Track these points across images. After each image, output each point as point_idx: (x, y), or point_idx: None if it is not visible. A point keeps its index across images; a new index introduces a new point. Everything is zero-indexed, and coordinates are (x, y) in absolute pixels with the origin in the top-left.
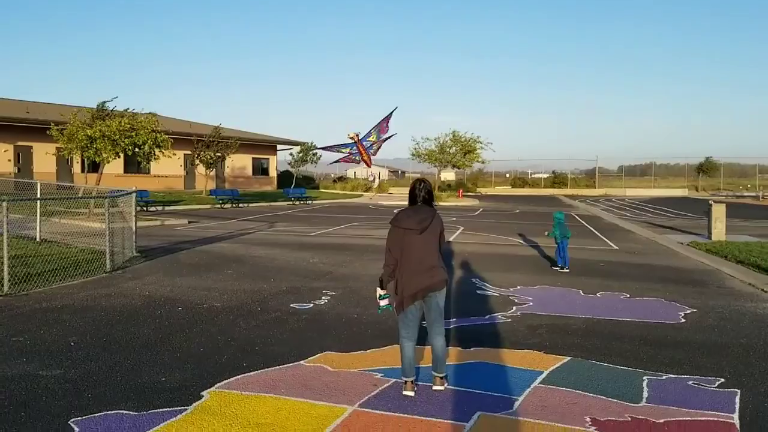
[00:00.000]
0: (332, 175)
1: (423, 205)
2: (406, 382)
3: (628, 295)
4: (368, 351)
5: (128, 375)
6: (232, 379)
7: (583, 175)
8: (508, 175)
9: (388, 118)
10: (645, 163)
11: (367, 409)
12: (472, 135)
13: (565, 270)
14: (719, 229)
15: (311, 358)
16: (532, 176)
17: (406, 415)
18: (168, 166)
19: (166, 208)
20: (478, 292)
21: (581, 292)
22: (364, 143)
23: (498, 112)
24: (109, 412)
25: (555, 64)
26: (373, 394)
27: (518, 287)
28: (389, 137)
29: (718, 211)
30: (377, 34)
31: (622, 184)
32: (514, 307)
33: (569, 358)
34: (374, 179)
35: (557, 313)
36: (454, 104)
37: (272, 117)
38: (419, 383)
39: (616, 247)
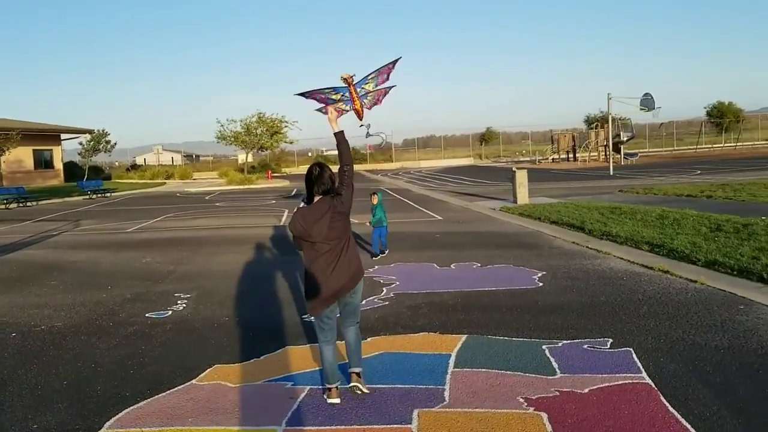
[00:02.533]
0: (117, 164)
1: (322, 199)
2: (330, 389)
3: (479, 264)
4: (262, 357)
5: None
6: (121, 414)
7: (375, 150)
8: (309, 154)
9: (390, 66)
10: (426, 135)
11: (299, 427)
12: (277, 115)
13: (385, 253)
14: (523, 193)
15: (202, 375)
16: (327, 153)
17: (347, 427)
18: None
19: None
20: None
21: (436, 265)
22: (357, 90)
23: (288, 91)
24: None
25: (341, 42)
26: (294, 408)
27: (376, 267)
28: (389, 88)
29: (521, 177)
30: (175, 16)
31: (416, 157)
32: (385, 289)
33: (465, 335)
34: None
35: (427, 289)
36: (252, 84)
37: (55, 102)
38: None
39: (440, 218)
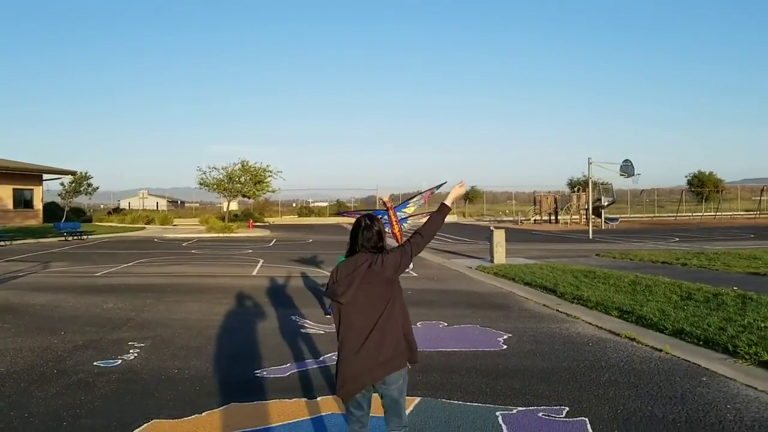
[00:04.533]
0: (102, 206)
1: (363, 254)
2: None
3: (446, 324)
4: (204, 414)
5: None
6: None
7: (360, 202)
8: (294, 205)
9: (432, 190)
10: (415, 191)
11: None
12: (261, 164)
13: None
14: (500, 253)
15: (137, 430)
16: (314, 204)
17: None
18: None
19: None
20: (303, 330)
21: None
22: (398, 213)
23: (277, 143)
24: None
25: (330, 96)
26: None
27: None
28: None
29: (499, 236)
30: (155, 60)
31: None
32: None
33: (419, 398)
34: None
35: None
36: (232, 135)
37: (39, 142)
38: None
39: (415, 274)
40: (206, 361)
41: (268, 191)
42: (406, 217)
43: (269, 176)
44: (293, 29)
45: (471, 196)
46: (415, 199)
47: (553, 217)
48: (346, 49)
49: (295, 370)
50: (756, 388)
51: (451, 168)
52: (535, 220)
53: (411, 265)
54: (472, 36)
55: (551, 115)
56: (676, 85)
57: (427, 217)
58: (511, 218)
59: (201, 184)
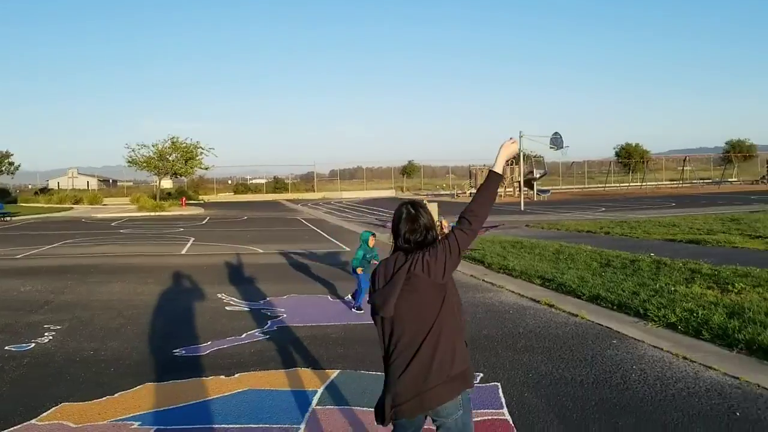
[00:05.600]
0: (30, 187)
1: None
2: None
3: None
4: (117, 395)
5: None
6: None
7: (299, 179)
8: (230, 182)
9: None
10: (353, 167)
11: None
12: (192, 141)
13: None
14: None
15: (45, 414)
16: (252, 182)
17: None
18: None
19: None
20: (228, 308)
21: (329, 297)
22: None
23: (213, 118)
24: None
25: (268, 72)
26: None
27: (268, 299)
28: None
29: (432, 210)
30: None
31: (338, 187)
32: (269, 322)
33: (338, 371)
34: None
35: (313, 322)
36: (169, 109)
37: None
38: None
39: (347, 249)
40: (125, 342)
41: (200, 168)
42: None
43: (201, 153)
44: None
45: (408, 170)
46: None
47: None
48: (283, 25)
49: (215, 348)
50: (662, 349)
51: (388, 143)
52: (471, 193)
53: (344, 244)
54: (404, 11)
55: (486, 89)
56: (605, 60)
57: (474, 194)
58: (449, 192)
59: (130, 162)
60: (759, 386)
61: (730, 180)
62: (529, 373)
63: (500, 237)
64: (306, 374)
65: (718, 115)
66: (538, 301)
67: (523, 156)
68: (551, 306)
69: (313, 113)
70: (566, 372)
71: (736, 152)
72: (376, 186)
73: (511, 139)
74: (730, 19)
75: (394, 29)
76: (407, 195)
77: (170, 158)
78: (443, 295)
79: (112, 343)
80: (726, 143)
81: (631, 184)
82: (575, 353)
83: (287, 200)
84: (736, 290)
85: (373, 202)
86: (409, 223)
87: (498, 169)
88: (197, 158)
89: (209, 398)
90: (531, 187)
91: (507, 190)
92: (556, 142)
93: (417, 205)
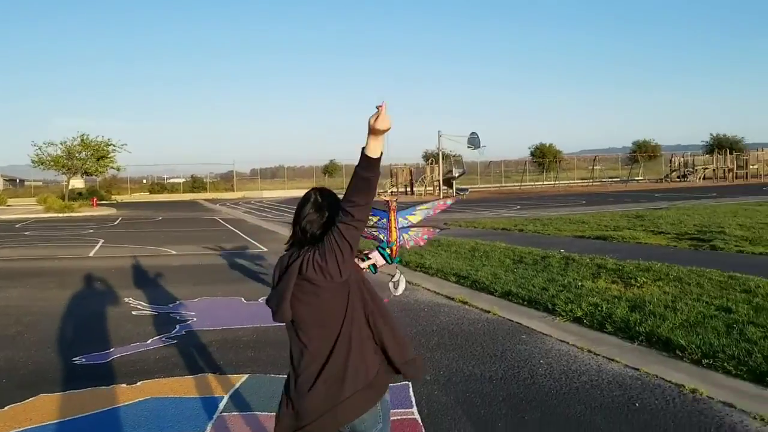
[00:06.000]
0: None
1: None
2: None
3: None
4: (6, 408)
5: None
6: None
7: (219, 179)
8: (145, 181)
9: (448, 199)
10: (275, 165)
11: None
12: (103, 138)
13: None
14: None
15: None
16: (169, 181)
17: None
18: None
19: None
20: (134, 313)
21: (243, 299)
22: (399, 219)
23: (129, 116)
24: None
25: (183, 71)
26: None
27: (178, 302)
28: (440, 230)
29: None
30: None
31: (258, 187)
32: (178, 326)
33: (247, 375)
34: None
35: (224, 326)
36: (81, 107)
37: None
38: None
39: (265, 249)
40: (20, 350)
41: (112, 167)
42: (409, 227)
43: (113, 151)
44: None
45: (330, 170)
46: (425, 207)
47: (409, 189)
48: (198, 22)
49: (118, 356)
50: (568, 343)
51: (312, 142)
52: (391, 192)
53: (261, 244)
54: (318, 9)
55: (406, 88)
56: (522, 61)
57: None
58: None
59: (36, 162)
60: (657, 377)
61: (636, 178)
62: (440, 370)
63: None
64: (213, 380)
65: (626, 117)
66: (452, 299)
67: (443, 155)
68: (465, 303)
69: (234, 112)
70: (476, 368)
71: (642, 152)
72: (298, 185)
73: (377, 109)
74: (639, 20)
75: (314, 26)
76: None
77: (80, 156)
78: (347, 294)
79: (6, 352)
80: (633, 143)
81: (545, 182)
82: (486, 349)
83: (205, 200)
84: (638, 284)
85: (293, 202)
86: (311, 212)
87: (370, 152)
88: (109, 156)
89: (108, 408)
90: (450, 186)
91: (428, 189)
92: (474, 141)
93: (326, 194)
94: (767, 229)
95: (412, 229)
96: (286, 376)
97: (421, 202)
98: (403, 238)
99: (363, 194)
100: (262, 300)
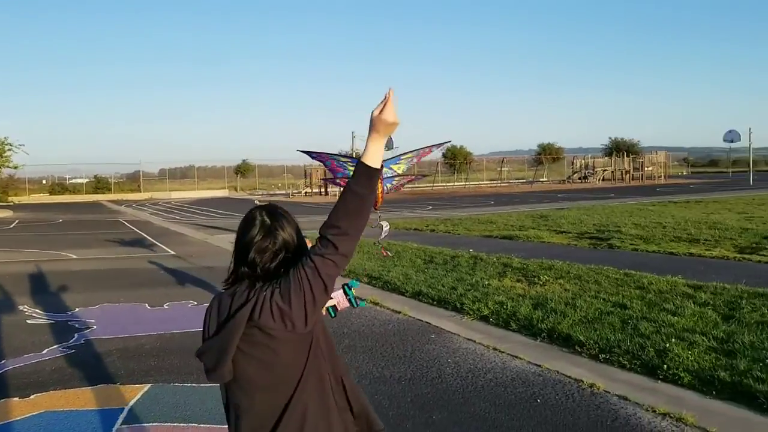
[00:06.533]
0: None
1: (249, 285)
2: None
3: (196, 303)
4: None
5: None
6: None
7: (125, 179)
8: (45, 182)
9: (432, 147)
10: (185, 165)
11: None
12: None
13: None
14: None
15: None
16: (71, 181)
17: None
18: None
19: None
20: (29, 321)
21: (147, 305)
22: (384, 169)
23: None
24: None
25: (92, 67)
26: None
27: (77, 309)
28: (421, 176)
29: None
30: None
31: (167, 187)
32: (76, 335)
33: (150, 385)
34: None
35: (126, 333)
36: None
37: None
38: None
39: (173, 253)
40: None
41: (8, 167)
42: (393, 176)
43: (9, 150)
44: None
45: (242, 169)
46: (409, 155)
47: (323, 190)
48: (106, 16)
49: (10, 367)
50: (474, 341)
51: (222, 142)
52: (306, 192)
53: (169, 247)
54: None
55: (320, 87)
56: (433, 60)
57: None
58: (284, 191)
59: None
60: (558, 372)
61: (541, 180)
62: (350, 373)
63: None
64: (113, 391)
65: (532, 120)
66: (364, 300)
67: (355, 156)
68: (376, 304)
69: (142, 109)
70: (386, 370)
71: (547, 154)
72: (209, 186)
73: (382, 102)
74: (542, 29)
75: (238, 22)
76: (241, 195)
77: None
78: (308, 347)
79: None
80: (538, 146)
81: (456, 183)
82: (396, 350)
83: (110, 201)
84: (541, 282)
85: (204, 203)
86: (260, 239)
87: (369, 159)
88: (4, 155)
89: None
90: None
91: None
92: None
93: (275, 213)
94: (660, 228)
95: (396, 178)
96: (190, 384)
97: (405, 152)
98: (387, 187)
99: (353, 218)
100: (167, 306)
